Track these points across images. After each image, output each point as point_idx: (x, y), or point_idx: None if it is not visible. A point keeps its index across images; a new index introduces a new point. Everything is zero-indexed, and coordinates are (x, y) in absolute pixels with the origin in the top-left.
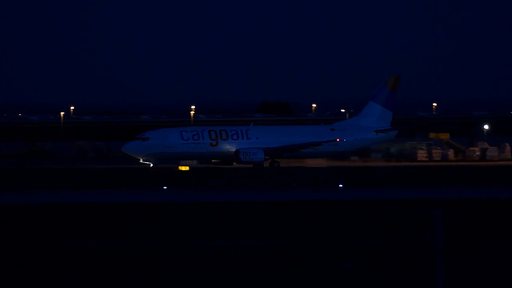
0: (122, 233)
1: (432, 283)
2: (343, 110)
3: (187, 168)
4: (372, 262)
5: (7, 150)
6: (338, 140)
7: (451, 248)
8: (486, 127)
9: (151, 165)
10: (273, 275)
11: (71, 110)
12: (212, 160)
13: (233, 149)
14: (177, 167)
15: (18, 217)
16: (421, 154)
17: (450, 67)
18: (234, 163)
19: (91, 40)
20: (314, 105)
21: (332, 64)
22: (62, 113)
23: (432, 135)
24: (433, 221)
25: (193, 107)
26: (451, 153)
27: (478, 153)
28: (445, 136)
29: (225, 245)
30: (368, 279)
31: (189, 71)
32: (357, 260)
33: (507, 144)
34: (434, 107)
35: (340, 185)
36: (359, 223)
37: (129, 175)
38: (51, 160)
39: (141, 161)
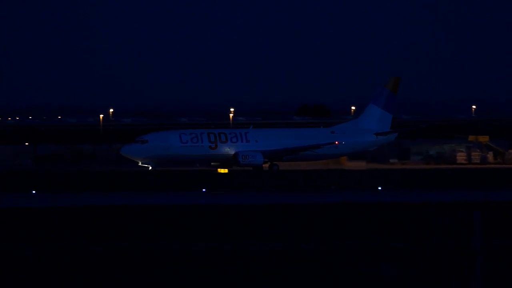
0: (189, 234)
1: (471, 283)
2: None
3: (226, 170)
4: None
5: (47, 152)
6: (337, 143)
7: (491, 250)
8: None
9: (150, 168)
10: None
11: (110, 113)
12: (212, 163)
13: (233, 152)
14: (216, 170)
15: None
16: (461, 157)
17: (450, 67)
18: (233, 166)
19: (91, 40)
20: (353, 108)
21: (332, 64)
22: (101, 115)
23: (471, 137)
24: (472, 223)
25: (232, 109)
26: (490, 155)
27: None
28: (484, 138)
29: (286, 247)
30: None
31: (189, 71)
32: (397, 262)
33: None
34: (473, 109)
35: (379, 188)
36: (401, 225)
37: (174, 176)
38: (93, 162)
39: (140, 164)
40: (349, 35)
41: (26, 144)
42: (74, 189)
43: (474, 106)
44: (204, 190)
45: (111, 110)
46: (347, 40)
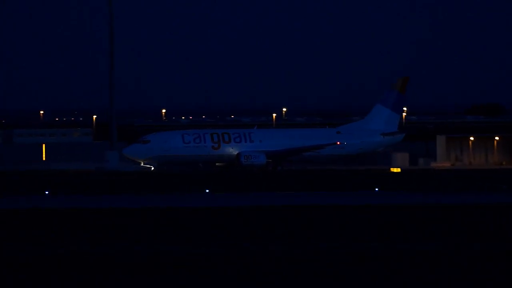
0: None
1: None
2: None
3: (398, 170)
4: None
5: None
6: (338, 143)
7: None
8: None
9: (152, 168)
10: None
11: (283, 112)
12: (216, 164)
13: (236, 152)
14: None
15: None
16: None
17: (451, 67)
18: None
19: (92, 39)
20: None
21: (332, 64)
22: (274, 114)
23: None
24: None
25: (284, 109)
26: None
27: None
28: None
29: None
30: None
31: (189, 71)
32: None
33: None
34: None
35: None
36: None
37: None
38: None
39: (142, 164)
40: (349, 35)
41: None
42: None
43: (164, 110)
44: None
45: (284, 109)
46: (347, 40)
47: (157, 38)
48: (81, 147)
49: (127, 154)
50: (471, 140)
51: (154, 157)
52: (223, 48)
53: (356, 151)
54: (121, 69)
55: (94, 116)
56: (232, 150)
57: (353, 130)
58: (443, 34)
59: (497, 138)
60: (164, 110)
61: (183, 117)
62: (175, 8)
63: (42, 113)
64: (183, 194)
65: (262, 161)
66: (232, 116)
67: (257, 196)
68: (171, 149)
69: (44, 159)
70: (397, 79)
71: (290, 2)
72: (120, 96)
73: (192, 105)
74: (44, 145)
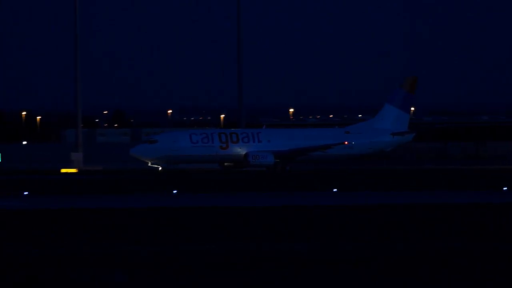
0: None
1: None
2: None
3: None
4: None
5: None
6: (346, 143)
7: None
8: None
9: (160, 168)
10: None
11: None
12: (225, 164)
13: (244, 152)
14: None
15: None
16: None
17: (451, 67)
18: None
19: (220, 38)
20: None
21: (332, 64)
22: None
23: None
24: None
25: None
26: None
27: None
28: None
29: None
30: None
31: (323, 69)
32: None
33: None
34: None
35: None
36: None
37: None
38: (388, 161)
39: (149, 164)
40: (349, 35)
41: None
42: None
43: (291, 110)
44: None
45: (412, 108)
46: (347, 40)
47: (284, 34)
48: None
49: (135, 154)
50: None
51: (161, 157)
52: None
53: (365, 151)
54: (250, 67)
55: (222, 116)
56: (240, 150)
57: (362, 129)
58: (443, 34)
59: None
60: (291, 110)
61: (310, 116)
62: (175, 8)
63: (170, 112)
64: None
65: (270, 161)
66: (360, 116)
67: (270, 196)
68: (179, 149)
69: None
70: (405, 78)
71: (290, 2)
72: (248, 94)
73: (321, 104)
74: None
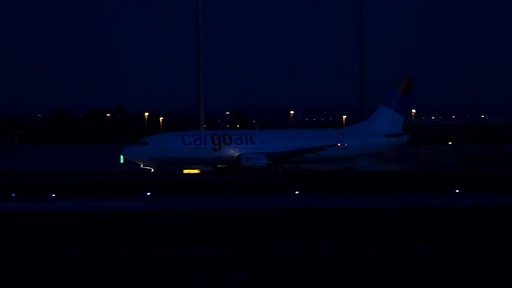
0: None
1: None
2: None
3: None
4: None
5: (470, 151)
6: (339, 145)
7: None
8: None
9: (152, 170)
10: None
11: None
12: (218, 166)
13: (236, 154)
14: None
15: None
16: None
17: (452, 68)
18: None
19: (215, 40)
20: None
21: (331, 64)
22: None
23: None
24: None
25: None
26: None
27: None
28: None
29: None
30: None
31: (187, 73)
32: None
33: None
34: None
35: None
36: None
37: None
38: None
39: (141, 166)
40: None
41: (449, 143)
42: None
43: (413, 111)
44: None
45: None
46: (347, 39)
47: (158, 38)
48: None
49: (126, 156)
50: None
51: (153, 158)
52: (223, 48)
53: (359, 153)
54: (371, 67)
55: (344, 116)
56: (233, 152)
57: (357, 131)
58: (443, 34)
59: None
60: (414, 110)
61: (432, 117)
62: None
63: (293, 113)
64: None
65: (263, 163)
66: (483, 116)
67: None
68: (171, 151)
69: None
70: (400, 80)
71: (290, 2)
72: (371, 95)
73: (442, 105)
74: None
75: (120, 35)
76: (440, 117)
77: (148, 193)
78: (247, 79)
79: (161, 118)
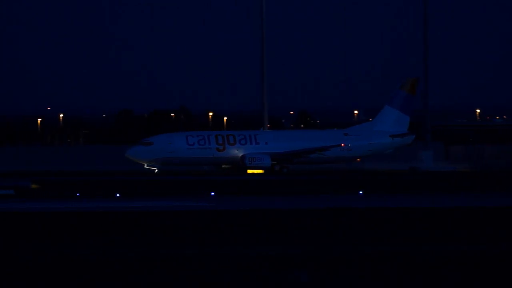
0: None
1: None
2: None
3: None
4: None
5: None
6: (343, 145)
7: None
8: None
9: (156, 170)
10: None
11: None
12: (222, 166)
13: (240, 154)
14: None
15: None
16: None
17: (453, 68)
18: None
19: (101, 41)
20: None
21: (332, 64)
22: None
23: None
24: None
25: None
26: None
27: None
28: None
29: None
30: None
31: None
32: None
33: None
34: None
35: None
36: None
37: None
38: None
39: (145, 166)
40: (349, 35)
41: None
42: None
43: (478, 110)
44: None
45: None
46: (347, 39)
47: (158, 38)
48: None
49: (130, 156)
50: None
51: (157, 159)
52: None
53: (364, 153)
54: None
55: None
56: (237, 152)
57: (362, 131)
58: (444, 34)
59: None
60: (478, 110)
61: (497, 117)
62: (174, 8)
63: (357, 113)
64: None
65: (267, 163)
66: None
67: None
68: (175, 151)
69: None
70: (405, 79)
71: (290, 2)
72: (434, 96)
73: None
74: None
75: (185, 36)
76: (505, 117)
77: (212, 193)
78: (311, 79)
79: (225, 118)
